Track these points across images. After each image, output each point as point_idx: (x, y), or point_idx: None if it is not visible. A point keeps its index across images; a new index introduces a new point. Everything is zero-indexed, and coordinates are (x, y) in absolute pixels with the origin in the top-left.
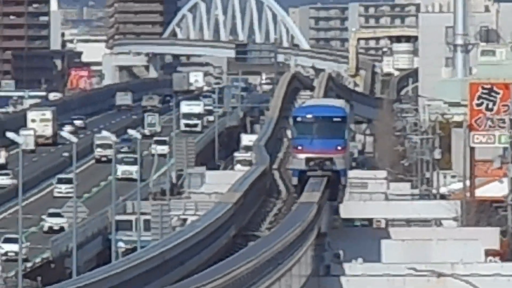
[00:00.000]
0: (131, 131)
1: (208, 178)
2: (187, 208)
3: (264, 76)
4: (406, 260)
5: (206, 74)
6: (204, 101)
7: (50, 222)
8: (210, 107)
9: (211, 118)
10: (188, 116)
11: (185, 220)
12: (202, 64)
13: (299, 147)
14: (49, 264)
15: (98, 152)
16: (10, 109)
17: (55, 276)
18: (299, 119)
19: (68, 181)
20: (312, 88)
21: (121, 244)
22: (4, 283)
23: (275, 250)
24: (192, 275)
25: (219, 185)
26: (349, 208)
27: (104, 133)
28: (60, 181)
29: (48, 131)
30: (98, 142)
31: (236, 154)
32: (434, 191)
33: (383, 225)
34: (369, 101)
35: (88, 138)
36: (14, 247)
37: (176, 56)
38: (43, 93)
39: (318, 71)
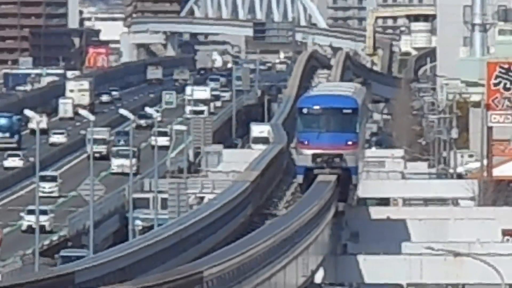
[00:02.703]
0: (148, 109)
1: (225, 157)
2: (204, 186)
3: (282, 55)
4: (423, 239)
5: (224, 52)
6: (211, 85)
7: (29, 220)
8: (217, 92)
9: (218, 103)
10: (194, 102)
11: (202, 198)
12: (220, 42)
13: (305, 142)
14: (66, 242)
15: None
16: (28, 87)
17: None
18: (304, 110)
19: (53, 178)
20: (329, 67)
21: (138, 222)
22: (22, 261)
23: (292, 229)
24: (209, 253)
25: (236, 163)
26: (366, 187)
27: (121, 111)
28: (43, 179)
29: (86, 100)
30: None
31: None
32: (451, 170)
33: (400, 204)
34: (386, 80)
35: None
36: None
37: (194, 35)
38: (61, 71)
39: (335, 50)
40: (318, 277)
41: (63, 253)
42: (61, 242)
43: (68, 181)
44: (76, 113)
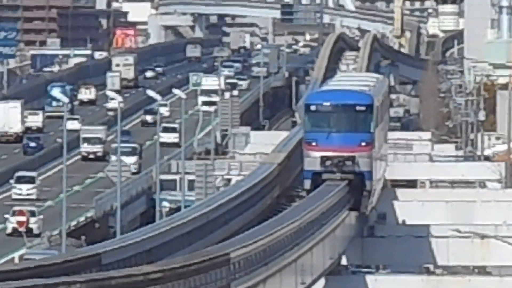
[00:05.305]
0: (175, 91)
1: (252, 138)
2: (232, 168)
3: (308, 37)
4: (449, 221)
5: (251, 34)
6: (225, 72)
7: (16, 222)
8: (233, 80)
9: (235, 92)
10: (207, 92)
11: (229, 180)
12: (247, 24)
13: (313, 143)
14: (93, 223)
15: (85, 147)
16: (56, 68)
17: (99, 235)
18: (312, 107)
19: (30, 180)
20: (357, 49)
21: (165, 203)
22: (49, 242)
23: (319, 211)
24: (236, 235)
25: (264, 145)
26: (394, 169)
27: (149, 92)
28: (19, 180)
29: (130, 74)
30: (84, 135)
31: None
32: (478, 152)
33: (427, 186)
34: (414, 62)
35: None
36: None
37: (221, 17)
38: (89, 52)
39: (363, 32)
40: (345, 259)
41: (27, 255)
42: (88, 223)
43: (54, 185)
44: (123, 87)
